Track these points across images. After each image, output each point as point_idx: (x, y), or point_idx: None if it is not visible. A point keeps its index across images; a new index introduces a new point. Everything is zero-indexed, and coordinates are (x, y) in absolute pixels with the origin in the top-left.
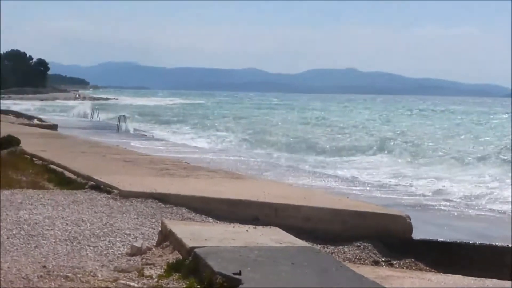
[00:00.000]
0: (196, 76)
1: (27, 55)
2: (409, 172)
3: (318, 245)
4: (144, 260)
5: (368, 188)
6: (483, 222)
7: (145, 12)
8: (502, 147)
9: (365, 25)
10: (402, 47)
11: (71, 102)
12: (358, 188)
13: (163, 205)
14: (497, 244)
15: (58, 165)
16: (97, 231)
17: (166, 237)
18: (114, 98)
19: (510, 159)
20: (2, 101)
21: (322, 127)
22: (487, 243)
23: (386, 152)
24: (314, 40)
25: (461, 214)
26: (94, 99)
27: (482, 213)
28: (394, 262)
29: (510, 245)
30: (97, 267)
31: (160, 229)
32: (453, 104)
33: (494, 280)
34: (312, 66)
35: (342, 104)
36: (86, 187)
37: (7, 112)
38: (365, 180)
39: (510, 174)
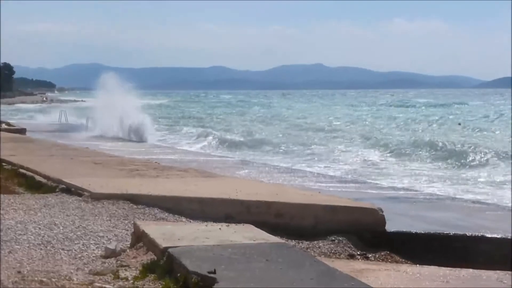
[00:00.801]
0: (164, 75)
1: None
2: (382, 164)
3: (292, 240)
4: (118, 262)
5: (340, 182)
6: (456, 213)
7: (110, 13)
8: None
9: (331, 20)
10: (370, 41)
11: (37, 106)
12: (330, 183)
13: (135, 206)
14: (471, 233)
15: (28, 169)
16: (70, 234)
17: (139, 238)
18: (82, 100)
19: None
20: None
21: (287, 122)
22: (461, 233)
23: (357, 146)
24: (282, 37)
25: (434, 205)
26: (62, 101)
27: (454, 203)
28: (370, 255)
29: (483, 234)
30: (72, 271)
31: (133, 230)
32: (419, 97)
33: (470, 270)
34: (280, 63)
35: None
36: (57, 190)
37: None
38: (337, 174)
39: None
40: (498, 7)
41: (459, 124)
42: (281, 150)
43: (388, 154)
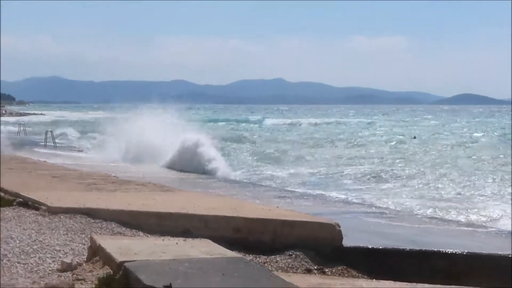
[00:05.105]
0: (125, 89)
1: None
2: (338, 179)
3: (250, 255)
4: (74, 275)
5: (298, 197)
6: (413, 229)
7: (70, 25)
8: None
9: (292, 36)
10: (330, 57)
11: None
12: (288, 197)
13: (92, 220)
14: (426, 249)
15: None
16: (27, 248)
17: (96, 252)
18: (41, 114)
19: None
20: None
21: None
22: (417, 248)
23: (307, 161)
24: (242, 51)
25: (391, 221)
26: (21, 114)
27: (412, 218)
28: (326, 270)
29: (439, 250)
30: (27, 284)
31: (89, 244)
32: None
33: (425, 285)
34: (241, 77)
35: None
36: (14, 204)
37: None
38: (295, 189)
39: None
40: (457, 25)
41: (414, 137)
42: (237, 163)
43: (342, 170)
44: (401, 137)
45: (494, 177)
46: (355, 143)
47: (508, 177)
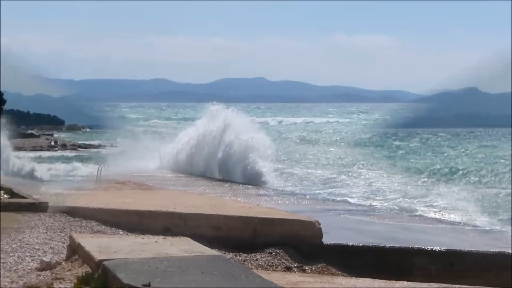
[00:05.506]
0: (105, 87)
1: None
2: (318, 178)
3: (230, 253)
4: (53, 274)
5: (278, 195)
6: (394, 226)
7: (51, 23)
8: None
9: (273, 34)
10: (312, 56)
11: None
12: (269, 195)
13: (72, 219)
14: (406, 246)
15: None
16: (6, 247)
17: (75, 251)
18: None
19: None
20: None
21: None
22: (397, 245)
23: (288, 160)
24: (222, 49)
25: (372, 219)
26: None
27: (393, 216)
28: (306, 268)
29: (418, 247)
30: (6, 284)
31: (69, 243)
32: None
33: (404, 282)
34: (222, 76)
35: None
36: None
37: None
38: (275, 187)
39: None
40: (438, 23)
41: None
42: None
43: (322, 168)
44: (381, 135)
45: (476, 176)
46: (334, 140)
47: (488, 177)
